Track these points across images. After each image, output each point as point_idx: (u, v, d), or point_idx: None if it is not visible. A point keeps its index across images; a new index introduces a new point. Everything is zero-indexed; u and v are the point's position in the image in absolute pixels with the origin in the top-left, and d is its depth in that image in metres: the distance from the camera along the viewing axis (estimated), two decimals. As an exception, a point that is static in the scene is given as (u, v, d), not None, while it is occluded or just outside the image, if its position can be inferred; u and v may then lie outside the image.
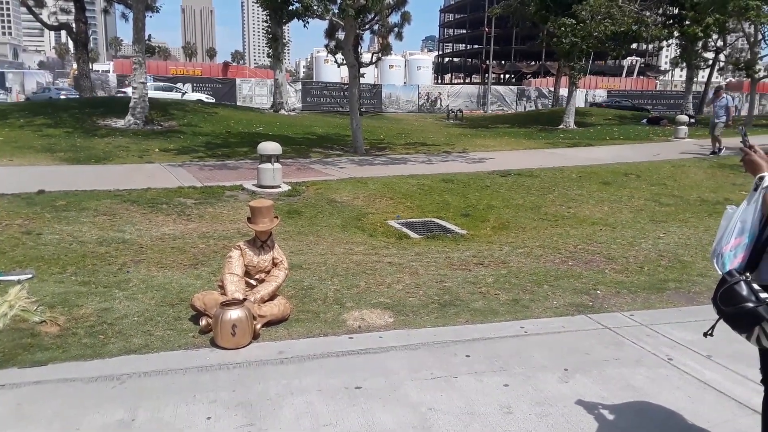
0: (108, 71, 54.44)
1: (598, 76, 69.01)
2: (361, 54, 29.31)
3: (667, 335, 4.48)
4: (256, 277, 4.69)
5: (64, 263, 6.07)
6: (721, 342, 3.09)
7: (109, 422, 3.20)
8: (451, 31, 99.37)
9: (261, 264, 4.69)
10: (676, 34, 29.11)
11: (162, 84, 37.27)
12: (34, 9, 27.82)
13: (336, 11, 16.40)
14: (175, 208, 8.82)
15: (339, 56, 18.34)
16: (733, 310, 2.39)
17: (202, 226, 8.00)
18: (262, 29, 39.16)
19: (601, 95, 53.29)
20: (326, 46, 27.58)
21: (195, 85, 43.82)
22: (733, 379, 3.75)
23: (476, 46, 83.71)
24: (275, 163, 10.32)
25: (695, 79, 33.22)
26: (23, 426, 3.16)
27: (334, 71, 51.51)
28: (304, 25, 17.85)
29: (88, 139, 15.86)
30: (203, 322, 4.39)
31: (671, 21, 29.71)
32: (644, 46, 60.68)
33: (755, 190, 2.48)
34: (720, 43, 33.38)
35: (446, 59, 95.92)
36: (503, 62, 79.11)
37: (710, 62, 36.60)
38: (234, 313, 4.10)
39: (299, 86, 45.50)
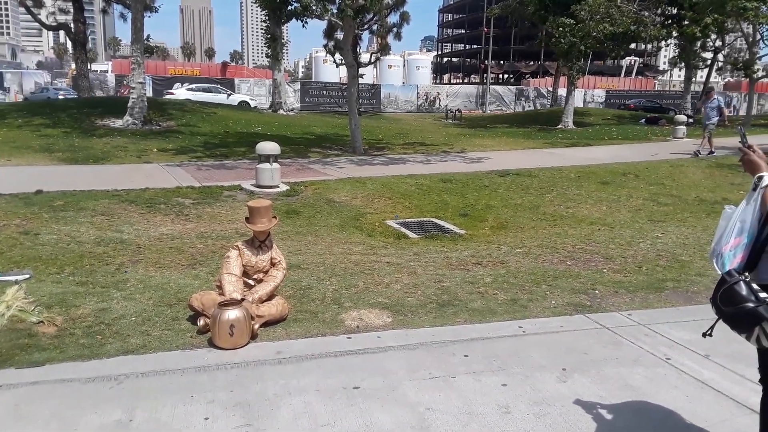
0: (106, 71, 54.38)
1: (597, 76, 69.04)
2: (359, 54, 29.33)
3: (665, 335, 4.48)
4: (255, 277, 4.69)
5: (61, 263, 6.06)
6: (720, 342, 3.09)
7: (107, 423, 3.19)
8: (450, 31, 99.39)
9: (259, 264, 4.68)
10: (674, 34, 29.14)
11: (206, 86, 36.61)
12: (32, 9, 27.76)
13: (335, 11, 16.40)
14: (173, 208, 8.81)
15: (338, 56, 18.37)
16: (732, 310, 2.39)
17: (200, 226, 7.99)
18: (261, 29, 39.09)
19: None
20: (325, 46, 27.60)
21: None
22: (732, 379, 3.75)
23: (475, 46, 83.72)
24: (274, 163, 10.31)
25: (694, 79, 33.27)
26: (21, 427, 3.15)
27: (332, 71, 51.52)
28: (303, 25, 17.87)
29: (86, 139, 15.83)
30: (201, 322, 4.39)
31: (670, 21, 29.74)
32: (643, 46, 60.82)
33: (754, 189, 2.48)
34: (718, 43, 33.40)
35: (445, 59, 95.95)
36: (502, 62, 79.13)
37: (709, 62, 36.62)
38: (232, 314, 4.10)
39: (298, 86, 45.47)
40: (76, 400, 3.42)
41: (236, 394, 3.52)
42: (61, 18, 29.63)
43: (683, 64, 30.50)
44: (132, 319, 4.61)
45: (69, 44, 34.67)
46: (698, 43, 29.57)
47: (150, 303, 4.96)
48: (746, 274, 2.44)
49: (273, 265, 4.74)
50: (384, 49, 32.22)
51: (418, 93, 49.87)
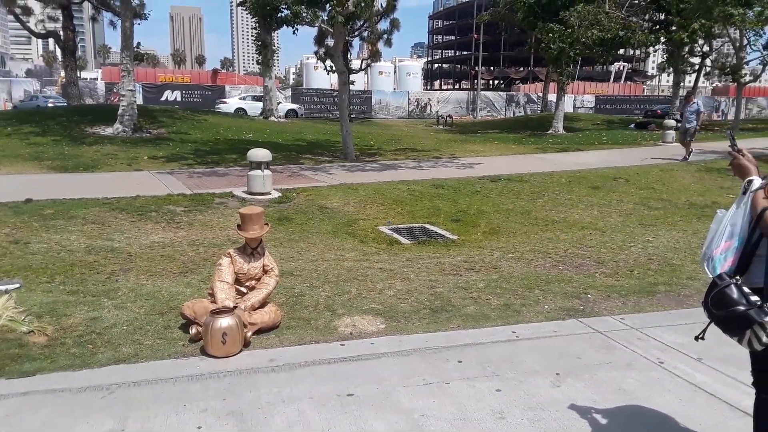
0: (96, 79, 54.06)
1: (586, 81, 69.53)
2: (350, 60, 29.33)
3: (658, 338, 4.50)
4: (247, 284, 4.67)
5: (52, 272, 6.01)
6: (712, 345, 3.11)
7: (98, 433, 3.16)
8: (440, 37, 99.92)
9: (251, 271, 4.66)
10: (662, 39, 29.37)
11: (257, 95, 36.15)
12: (21, 17, 27.59)
13: (325, 18, 16.42)
14: (164, 216, 8.77)
15: (329, 63, 18.30)
16: (724, 313, 2.41)
17: (192, 234, 7.95)
18: (252, 36, 39.08)
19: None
20: (316, 52, 27.54)
21: (183, 92, 43.67)
22: (724, 382, 3.77)
23: (465, 53, 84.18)
24: (265, 169, 10.30)
25: (682, 84, 33.50)
26: (10, 438, 3.11)
27: (323, 78, 51.40)
28: (294, 32, 17.85)
29: (76, 147, 15.75)
30: (193, 330, 4.36)
31: (658, 27, 29.98)
32: (631, 52, 61.30)
33: (744, 193, 2.50)
34: (706, 48, 33.66)
35: (435, 65, 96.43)
36: (492, 68, 79.60)
37: (697, 67, 36.93)
38: (224, 321, 4.07)
39: (289, 93, 45.48)
40: (67, 410, 3.39)
41: (229, 402, 3.49)
42: (51, 26, 29.44)
43: (671, 69, 30.72)
44: (123, 327, 4.57)
45: (58, 52, 34.52)
46: (686, 49, 29.83)
47: (141, 311, 4.93)
48: (737, 277, 2.46)
49: (265, 272, 4.73)
50: (375, 56, 32.24)
51: (409, 99, 50.04)
